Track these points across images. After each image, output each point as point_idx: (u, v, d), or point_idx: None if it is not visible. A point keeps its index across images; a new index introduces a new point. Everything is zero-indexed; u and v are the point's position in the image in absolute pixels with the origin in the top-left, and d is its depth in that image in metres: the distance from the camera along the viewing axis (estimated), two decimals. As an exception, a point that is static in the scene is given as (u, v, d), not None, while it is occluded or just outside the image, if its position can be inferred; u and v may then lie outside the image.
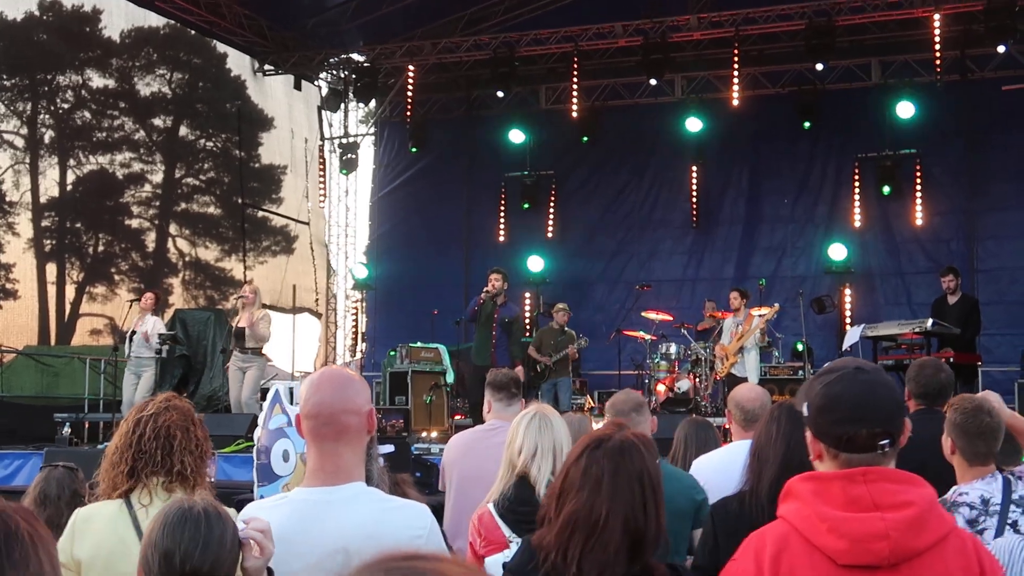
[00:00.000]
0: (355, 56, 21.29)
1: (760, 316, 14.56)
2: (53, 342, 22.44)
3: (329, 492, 3.12)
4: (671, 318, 16.40)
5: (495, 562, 4.14)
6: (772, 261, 18.92)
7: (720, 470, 5.12)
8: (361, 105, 22.62)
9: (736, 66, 18.24)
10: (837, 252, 18.09)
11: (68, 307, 24.13)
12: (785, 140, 19.14)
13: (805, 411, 2.63)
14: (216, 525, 2.80)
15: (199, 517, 2.79)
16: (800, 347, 15.96)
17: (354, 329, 21.67)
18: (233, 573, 2.84)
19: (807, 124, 18.53)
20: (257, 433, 6.44)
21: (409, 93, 20.47)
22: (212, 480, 4.69)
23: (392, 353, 16.14)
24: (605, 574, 2.96)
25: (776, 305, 14.57)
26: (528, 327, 18.64)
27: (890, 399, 2.58)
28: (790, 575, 2.45)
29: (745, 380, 12.72)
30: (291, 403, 6.55)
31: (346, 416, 3.14)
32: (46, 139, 25.07)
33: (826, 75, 18.61)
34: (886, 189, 18.16)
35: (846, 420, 2.53)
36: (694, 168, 19.65)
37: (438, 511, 3.28)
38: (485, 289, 13.39)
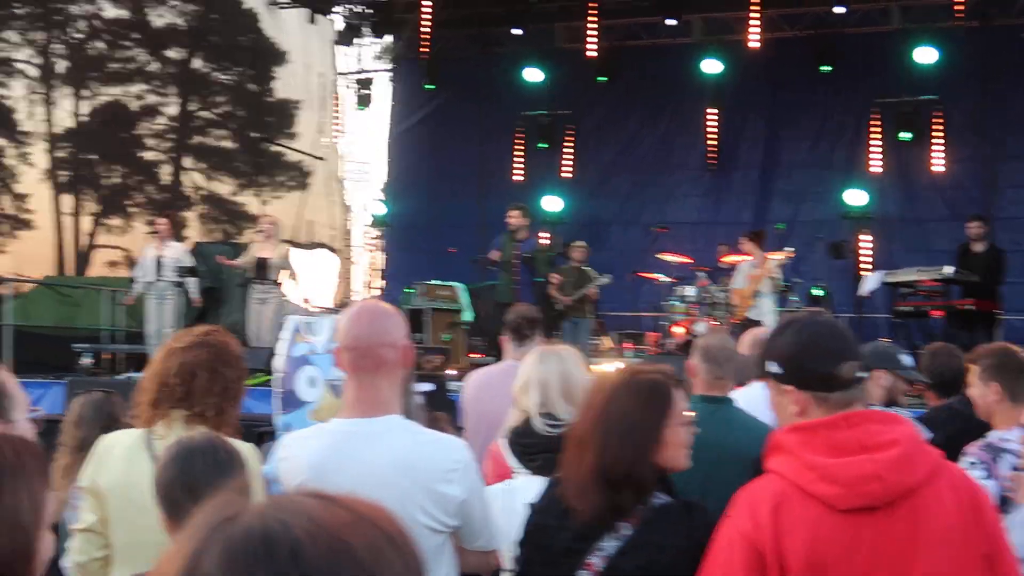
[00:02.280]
0: (371, -11, 21.08)
1: (773, 260, 14.60)
2: (70, 273, 22.55)
3: (367, 424, 3.20)
4: (689, 260, 16.40)
5: (493, 491, 4.15)
6: (790, 206, 18.83)
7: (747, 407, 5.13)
8: (376, 40, 22.48)
9: (754, 7, 18.11)
10: (855, 198, 18.02)
11: (84, 238, 24.24)
12: (804, 84, 19.00)
13: (777, 368, 2.68)
14: (223, 450, 2.90)
15: (204, 445, 2.90)
16: (816, 292, 16.00)
17: (371, 266, 21.70)
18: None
19: (826, 68, 18.42)
20: (277, 363, 6.53)
21: (424, 29, 20.32)
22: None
23: (409, 291, 16.19)
24: (581, 499, 3.06)
25: (790, 250, 14.58)
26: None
27: (850, 334, 2.74)
28: (791, 527, 2.49)
29: (758, 324, 12.76)
30: (310, 335, 6.66)
31: (383, 349, 3.22)
32: (59, 69, 25.02)
33: (846, 19, 18.47)
34: (905, 135, 18.08)
35: (830, 357, 2.62)
36: (711, 111, 19.55)
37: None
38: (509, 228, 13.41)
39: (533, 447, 4.27)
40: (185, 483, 2.89)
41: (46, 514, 1.88)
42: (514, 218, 13.28)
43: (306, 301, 14.48)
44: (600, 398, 3.20)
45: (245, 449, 3.57)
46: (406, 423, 3.26)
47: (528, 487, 3.87)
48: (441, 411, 6.58)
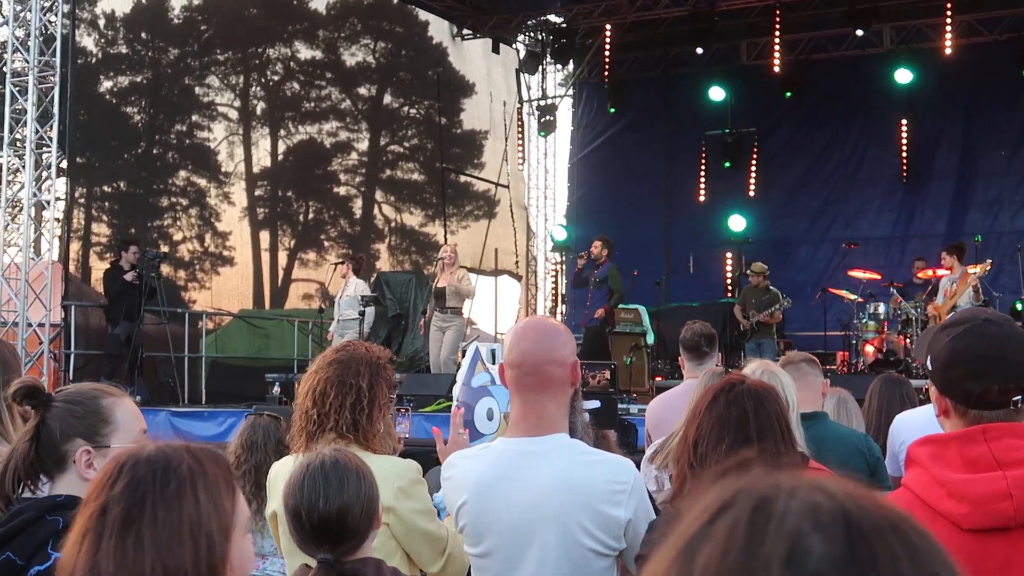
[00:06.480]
0: (552, 17, 21.25)
1: (974, 274, 13.91)
2: (267, 306, 23.32)
3: (531, 443, 3.07)
4: (879, 277, 15.84)
5: None
6: (988, 217, 18.08)
7: (924, 428, 4.85)
8: (559, 67, 22.60)
9: (949, 13, 17.45)
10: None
11: (281, 272, 25.07)
12: (1002, 90, 18.20)
13: (929, 365, 2.44)
14: (334, 473, 2.80)
15: (316, 469, 2.80)
16: (1020, 306, 15.21)
17: (553, 291, 21.70)
18: (371, 514, 2.84)
19: (1029, 71, 17.58)
20: (456, 391, 6.35)
21: (607, 53, 20.34)
22: (407, 436, 4.65)
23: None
24: None
25: (988, 261, 13.86)
26: (729, 287, 18.40)
27: (1022, 352, 2.34)
28: None
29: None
30: (492, 363, 6.48)
31: (549, 366, 3.07)
32: (258, 111, 26.01)
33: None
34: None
35: (976, 375, 2.32)
36: (903, 122, 18.91)
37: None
38: None
39: None
40: (310, 502, 2.82)
41: (236, 520, 1.83)
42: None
43: (472, 324, 14.51)
44: (753, 403, 3.05)
45: (388, 464, 3.51)
46: (571, 443, 3.13)
47: None
48: (608, 428, 6.41)
